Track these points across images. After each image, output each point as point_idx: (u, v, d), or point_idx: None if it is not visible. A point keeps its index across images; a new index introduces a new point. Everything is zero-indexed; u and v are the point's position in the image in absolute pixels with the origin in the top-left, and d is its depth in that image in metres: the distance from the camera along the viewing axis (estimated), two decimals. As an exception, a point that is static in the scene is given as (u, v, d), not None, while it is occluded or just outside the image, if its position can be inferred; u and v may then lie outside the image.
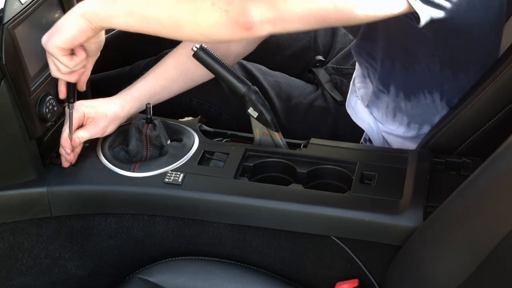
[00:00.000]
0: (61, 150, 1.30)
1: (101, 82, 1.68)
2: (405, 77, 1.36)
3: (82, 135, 1.31)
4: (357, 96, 1.51)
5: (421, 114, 1.39)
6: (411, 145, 1.42)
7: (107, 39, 1.92)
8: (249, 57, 1.65)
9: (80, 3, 1.19)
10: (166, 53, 1.64)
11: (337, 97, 1.57)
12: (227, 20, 1.11)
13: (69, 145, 1.29)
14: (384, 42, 1.35)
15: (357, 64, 1.52)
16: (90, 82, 1.48)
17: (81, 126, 1.32)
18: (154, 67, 1.46)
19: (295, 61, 1.74)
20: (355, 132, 1.49)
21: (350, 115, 1.50)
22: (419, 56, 1.31)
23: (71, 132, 1.29)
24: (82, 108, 1.31)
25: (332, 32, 1.77)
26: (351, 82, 1.55)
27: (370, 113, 1.46)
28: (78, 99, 1.44)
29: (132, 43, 1.84)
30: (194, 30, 1.15)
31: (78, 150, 1.32)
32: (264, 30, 1.12)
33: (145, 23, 1.17)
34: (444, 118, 1.35)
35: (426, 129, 1.40)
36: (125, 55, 1.83)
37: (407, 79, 1.36)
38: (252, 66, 1.62)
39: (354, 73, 1.56)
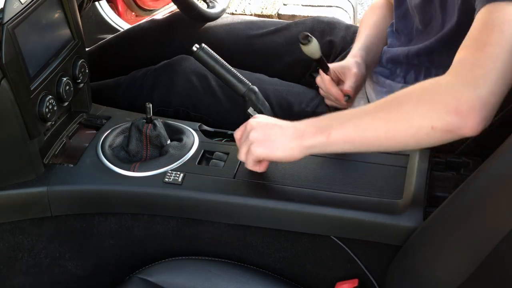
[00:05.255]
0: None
1: (100, 91, 1.68)
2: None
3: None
4: (364, 98, 1.50)
5: None
6: None
7: (105, 47, 1.92)
8: (248, 66, 1.65)
9: (299, 131, 1.17)
10: (166, 64, 1.65)
11: None
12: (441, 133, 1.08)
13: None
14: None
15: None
16: (91, 89, 1.48)
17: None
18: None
19: (294, 67, 1.73)
20: None
21: None
22: None
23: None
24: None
25: (330, 39, 1.75)
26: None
27: None
28: (78, 103, 1.45)
29: (130, 52, 1.85)
30: (408, 141, 1.11)
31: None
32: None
33: (362, 147, 1.15)
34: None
35: None
36: (124, 62, 1.83)
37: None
38: (249, 76, 1.60)
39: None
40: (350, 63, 1.47)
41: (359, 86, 1.47)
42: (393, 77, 1.46)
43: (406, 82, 1.43)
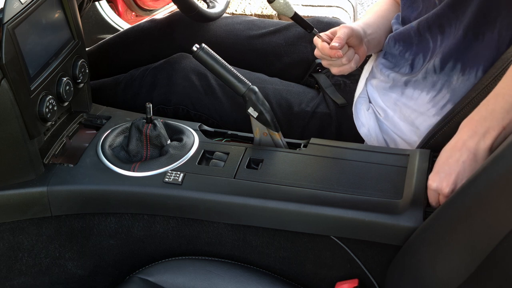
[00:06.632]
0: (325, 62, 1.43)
1: (99, 89, 1.68)
2: (469, 47, 1.32)
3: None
4: (364, 97, 1.49)
5: (462, 91, 1.36)
6: (412, 138, 1.42)
7: (104, 47, 1.92)
8: (247, 66, 1.65)
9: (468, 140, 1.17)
10: (164, 62, 1.65)
11: (338, 101, 1.55)
12: None
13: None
14: (473, 9, 1.31)
15: (383, 54, 1.50)
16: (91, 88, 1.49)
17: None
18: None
19: (294, 67, 1.73)
20: (358, 138, 1.48)
21: (354, 117, 1.49)
22: (496, 22, 1.28)
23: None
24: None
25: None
26: (366, 78, 1.52)
27: (372, 114, 1.46)
28: (78, 103, 1.45)
29: (130, 52, 1.85)
30: None
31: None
32: None
33: None
34: (444, 118, 1.35)
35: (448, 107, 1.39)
36: (123, 63, 1.83)
37: (471, 50, 1.32)
38: (249, 76, 1.60)
39: (369, 66, 1.54)
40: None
41: (356, 45, 1.45)
42: (399, 67, 1.44)
43: (413, 69, 1.41)
